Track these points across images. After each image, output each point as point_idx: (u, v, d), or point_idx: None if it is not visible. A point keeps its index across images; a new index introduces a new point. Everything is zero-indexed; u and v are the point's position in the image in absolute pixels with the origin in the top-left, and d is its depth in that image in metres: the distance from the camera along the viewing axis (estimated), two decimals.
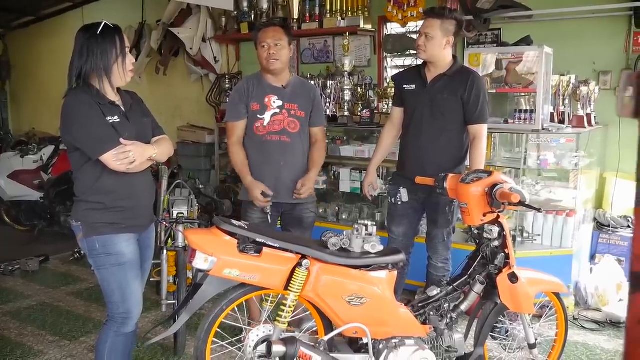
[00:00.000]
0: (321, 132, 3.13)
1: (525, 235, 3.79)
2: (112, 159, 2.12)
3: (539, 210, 2.50)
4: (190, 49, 6.02)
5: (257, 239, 2.14)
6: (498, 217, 2.46)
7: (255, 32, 3.00)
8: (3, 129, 8.56)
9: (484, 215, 2.43)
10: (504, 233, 2.46)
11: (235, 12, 5.69)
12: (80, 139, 2.15)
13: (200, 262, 2.06)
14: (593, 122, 4.06)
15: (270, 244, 2.15)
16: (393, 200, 3.17)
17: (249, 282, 2.12)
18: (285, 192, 2.97)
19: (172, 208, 3.55)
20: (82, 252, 2.33)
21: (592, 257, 4.21)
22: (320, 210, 4.39)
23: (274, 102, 2.92)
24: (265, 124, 2.92)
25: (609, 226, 4.21)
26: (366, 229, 2.28)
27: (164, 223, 3.28)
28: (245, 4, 5.60)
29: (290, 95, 2.96)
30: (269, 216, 2.96)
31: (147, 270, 2.50)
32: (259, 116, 2.92)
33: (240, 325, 2.25)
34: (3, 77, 8.94)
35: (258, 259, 2.12)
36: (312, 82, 4.12)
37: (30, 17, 8.19)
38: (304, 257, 2.16)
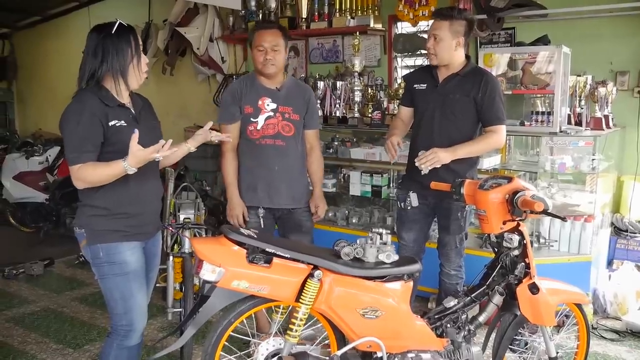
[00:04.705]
0: (315, 136, 3.03)
1: (541, 241, 3.68)
2: (76, 172, 2.02)
3: (563, 219, 2.38)
4: (197, 48, 5.94)
5: (267, 249, 2.05)
6: (518, 225, 2.36)
7: (251, 32, 2.88)
8: (9, 129, 8.49)
9: (504, 223, 2.33)
10: (525, 242, 2.36)
11: (243, 12, 5.59)
12: (65, 142, 2.05)
13: (207, 273, 1.97)
14: (611, 124, 3.95)
15: (281, 254, 2.06)
16: (402, 205, 3.06)
17: (259, 294, 2.03)
18: (279, 197, 2.88)
19: (179, 212, 3.47)
20: None
21: (610, 263, 4.09)
22: (330, 214, 4.29)
23: (268, 104, 2.82)
24: (258, 127, 2.83)
25: (627, 231, 4.09)
26: (380, 238, 2.19)
27: (170, 228, 3.19)
28: (252, 3, 5.49)
29: (284, 98, 2.86)
30: (261, 220, 2.88)
31: (152, 280, 2.41)
32: (252, 119, 2.83)
33: (248, 339, 2.16)
34: (9, 78, 8.86)
35: (268, 270, 2.02)
36: (313, 82, 4.06)
37: (36, 17, 8.13)
38: (315, 267, 2.07)
